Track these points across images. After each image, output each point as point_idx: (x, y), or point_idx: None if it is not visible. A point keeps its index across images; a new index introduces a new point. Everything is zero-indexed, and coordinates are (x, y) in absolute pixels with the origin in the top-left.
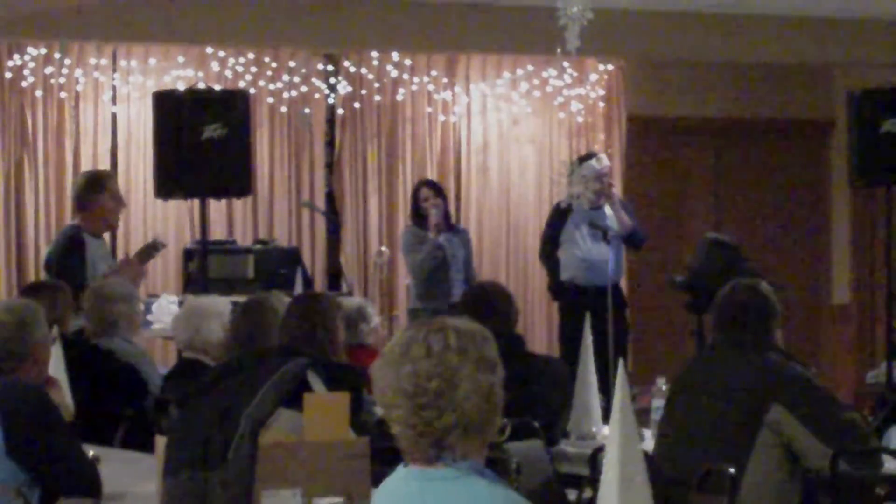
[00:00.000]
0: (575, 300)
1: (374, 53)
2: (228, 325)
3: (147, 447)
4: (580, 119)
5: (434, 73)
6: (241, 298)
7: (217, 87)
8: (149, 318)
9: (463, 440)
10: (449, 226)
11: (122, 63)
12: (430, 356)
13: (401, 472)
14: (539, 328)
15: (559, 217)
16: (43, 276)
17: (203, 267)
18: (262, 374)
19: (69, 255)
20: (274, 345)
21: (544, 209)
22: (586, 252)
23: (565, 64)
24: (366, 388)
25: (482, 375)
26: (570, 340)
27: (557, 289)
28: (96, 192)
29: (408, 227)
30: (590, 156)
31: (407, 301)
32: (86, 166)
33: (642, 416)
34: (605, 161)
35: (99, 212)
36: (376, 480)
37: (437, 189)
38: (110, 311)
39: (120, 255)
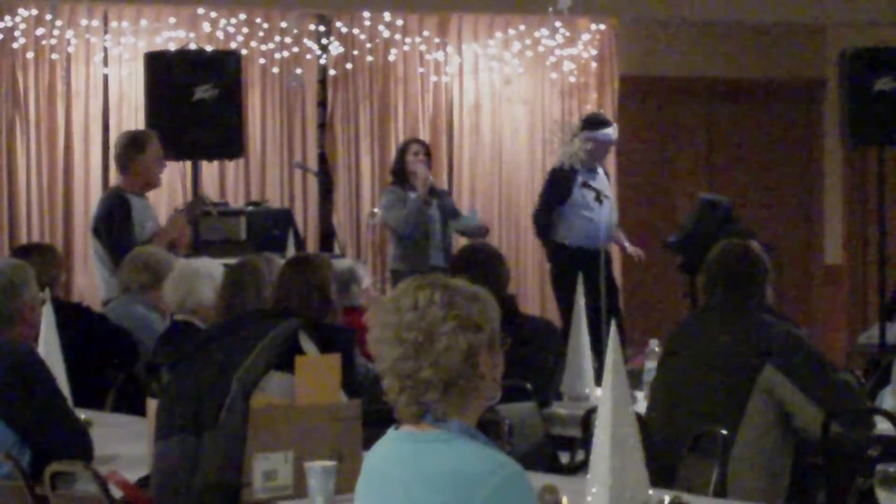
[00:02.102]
0: (582, 263)
1: (366, 14)
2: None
3: (139, 410)
4: (572, 79)
5: (426, 33)
6: (234, 260)
7: (208, 48)
8: None
9: (443, 399)
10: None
11: (114, 24)
12: (415, 309)
13: (392, 434)
14: (531, 289)
15: (566, 179)
16: (91, 241)
17: (195, 229)
18: (254, 336)
19: (115, 216)
20: (264, 307)
21: (536, 169)
22: (596, 215)
23: (557, 24)
24: (358, 349)
25: (462, 334)
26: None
27: (561, 252)
28: (135, 152)
29: (389, 186)
30: (605, 123)
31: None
32: (77, 128)
33: (635, 378)
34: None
35: (139, 172)
36: (368, 443)
37: (427, 148)
38: (147, 276)
39: None
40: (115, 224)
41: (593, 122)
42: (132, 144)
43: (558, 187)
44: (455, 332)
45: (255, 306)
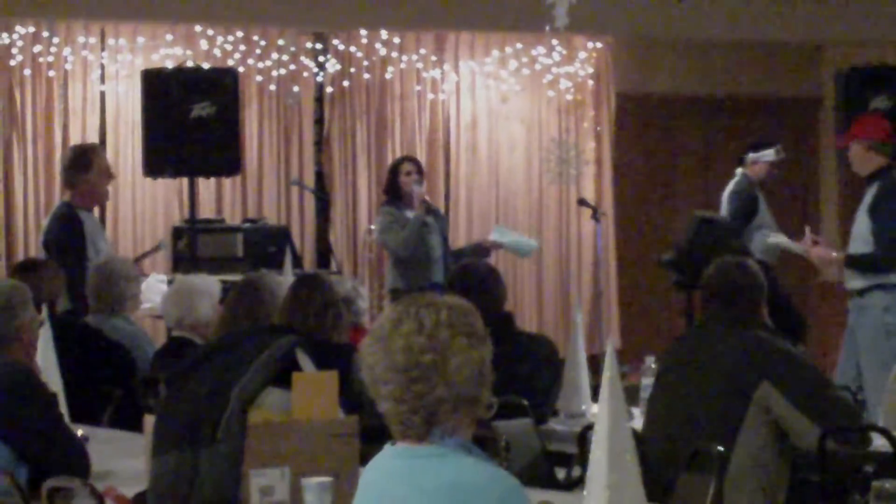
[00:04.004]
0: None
1: (363, 31)
2: (221, 303)
3: (136, 426)
4: (569, 97)
5: (423, 51)
6: (231, 277)
7: (205, 66)
8: None
9: (453, 414)
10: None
11: (111, 41)
12: (421, 331)
13: (388, 450)
14: (528, 307)
15: (752, 197)
16: (39, 254)
17: (192, 246)
18: (251, 352)
19: (68, 234)
20: (265, 323)
21: (533, 186)
22: (779, 237)
23: (554, 42)
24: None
25: (474, 349)
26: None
27: None
28: (82, 168)
29: (384, 207)
30: (767, 144)
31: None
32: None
33: (631, 395)
34: None
35: (87, 187)
36: (365, 459)
37: (419, 166)
38: (117, 290)
39: (108, 232)
40: (69, 241)
41: (759, 145)
42: (78, 161)
43: (747, 206)
44: (466, 347)
45: (255, 323)
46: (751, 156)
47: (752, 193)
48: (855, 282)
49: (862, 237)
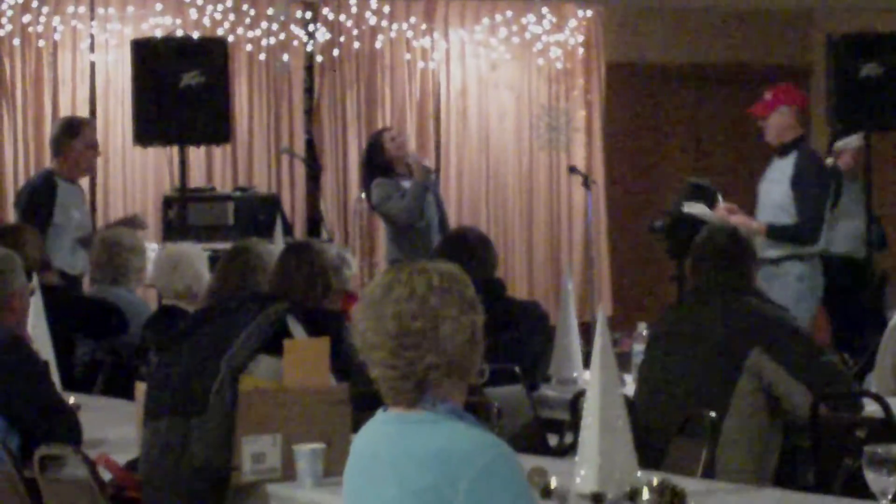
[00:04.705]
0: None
1: (353, 0)
2: (210, 272)
3: (128, 394)
4: (559, 65)
5: (412, 19)
6: (221, 245)
7: (195, 35)
8: None
9: (445, 381)
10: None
11: (100, 11)
12: (413, 297)
13: (380, 416)
14: (519, 274)
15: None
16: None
17: (183, 214)
18: (242, 320)
19: (36, 196)
20: (256, 291)
21: (523, 154)
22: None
23: (544, 10)
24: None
25: (465, 315)
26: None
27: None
28: (70, 137)
29: (378, 180)
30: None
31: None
32: (64, 115)
33: (623, 361)
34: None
35: (72, 156)
36: (356, 425)
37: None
38: (120, 260)
39: (99, 201)
40: (37, 204)
41: (843, 131)
42: (66, 130)
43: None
44: (458, 314)
45: (245, 291)
46: (838, 145)
47: (839, 183)
48: (771, 251)
49: (782, 207)
